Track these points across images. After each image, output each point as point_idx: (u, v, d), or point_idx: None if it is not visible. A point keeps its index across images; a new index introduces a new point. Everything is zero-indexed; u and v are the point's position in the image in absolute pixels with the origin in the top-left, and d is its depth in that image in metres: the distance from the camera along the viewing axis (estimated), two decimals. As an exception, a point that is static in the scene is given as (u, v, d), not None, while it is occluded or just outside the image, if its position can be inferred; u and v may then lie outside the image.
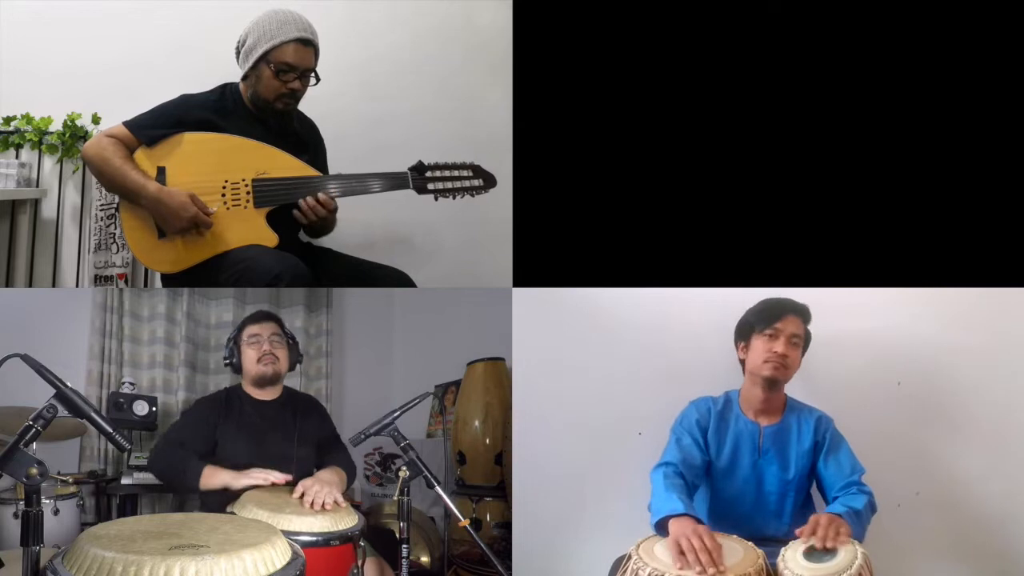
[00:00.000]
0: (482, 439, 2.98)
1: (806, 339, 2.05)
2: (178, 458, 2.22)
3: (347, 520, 2.03)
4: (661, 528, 1.76)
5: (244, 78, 2.38)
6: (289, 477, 2.18)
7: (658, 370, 2.30)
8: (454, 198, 2.44)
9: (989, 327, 2.29)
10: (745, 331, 2.07)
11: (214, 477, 2.14)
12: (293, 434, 2.34)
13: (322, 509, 2.02)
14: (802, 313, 2.04)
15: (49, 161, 2.83)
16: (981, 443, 2.27)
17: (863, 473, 1.99)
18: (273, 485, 2.16)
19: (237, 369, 2.40)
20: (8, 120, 2.79)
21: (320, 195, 2.32)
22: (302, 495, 2.07)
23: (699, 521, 1.73)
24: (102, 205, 2.80)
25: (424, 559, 2.88)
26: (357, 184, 2.36)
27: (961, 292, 2.30)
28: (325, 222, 2.41)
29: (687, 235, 2.50)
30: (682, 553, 1.64)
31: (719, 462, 2.05)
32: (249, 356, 2.36)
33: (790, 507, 2.04)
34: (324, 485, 2.10)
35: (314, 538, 1.91)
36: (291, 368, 2.45)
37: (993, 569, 2.28)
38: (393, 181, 2.40)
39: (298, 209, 2.32)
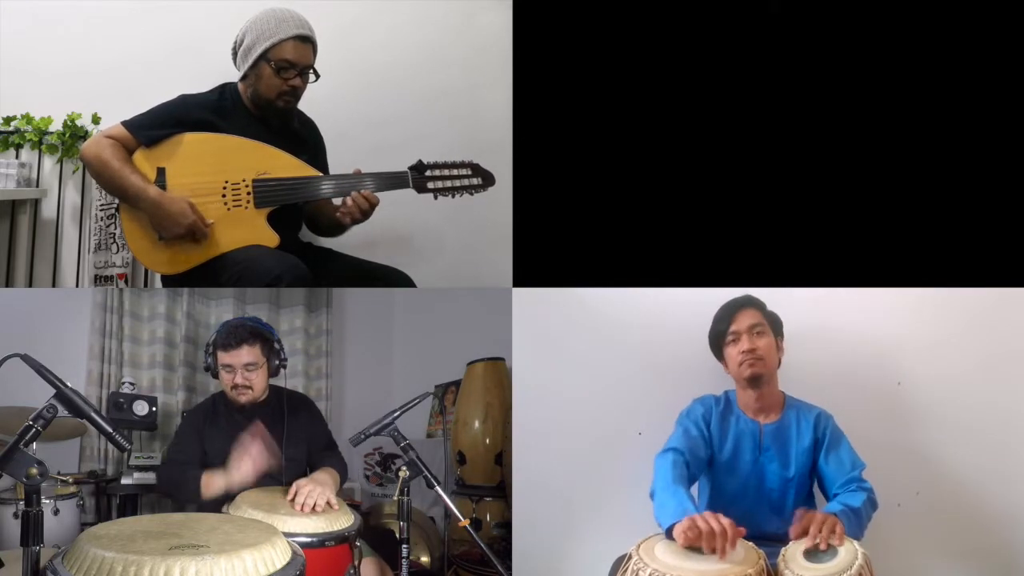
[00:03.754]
0: (482, 439, 2.98)
1: (772, 324, 2.06)
2: (178, 474, 2.24)
3: (342, 520, 2.02)
4: (671, 533, 1.74)
5: (243, 78, 2.38)
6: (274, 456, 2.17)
7: (658, 370, 2.31)
8: (453, 197, 2.43)
9: (988, 327, 2.29)
10: (716, 347, 2.10)
11: (212, 483, 2.15)
12: (281, 434, 2.33)
13: (313, 511, 2.02)
14: (750, 303, 2.06)
15: (49, 161, 2.83)
16: (981, 443, 2.27)
17: (863, 468, 2.00)
18: (268, 489, 2.16)
19: (215, 376, 2.39)
20: (8, 120, 2.79)
21: (364, 191, 2.32)
22: (294, 497, 2.07)
23: None
24: (102, 205, 2.80)
25: (424, 559, 2.88)
26: (357, 183, 2.36)
27: (961, 292, 2.30)
28: (366, 216, 2.37)
29: (687, 235, 2.50)
30: (688, 536, 1.63)
31: (720, 458, 2.05)
32: (224, 379, 2.33)
33: (791, 505, 2.03)
34: (317, 486, 2.09)
35: (309, 539, 1.90)
36: (273, 375, 2.38)
37: (993, 569, 2.28)
38: (393, 180, 2.40)
39: (342, 207, 2.32)
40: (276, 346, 2.37)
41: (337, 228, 2.51)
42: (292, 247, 2.38)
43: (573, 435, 2.32)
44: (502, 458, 2.91)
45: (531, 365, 2.34)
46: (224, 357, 2.30)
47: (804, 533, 1.74)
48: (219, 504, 2.10)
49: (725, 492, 2.06)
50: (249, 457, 2.16)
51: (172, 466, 2.34)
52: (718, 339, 2.08)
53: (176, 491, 2.31)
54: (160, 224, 2.24)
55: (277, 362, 2.37)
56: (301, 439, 2.37)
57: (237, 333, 2.31)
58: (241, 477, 2.15)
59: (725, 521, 1.64)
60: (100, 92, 2.78)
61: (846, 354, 2.28)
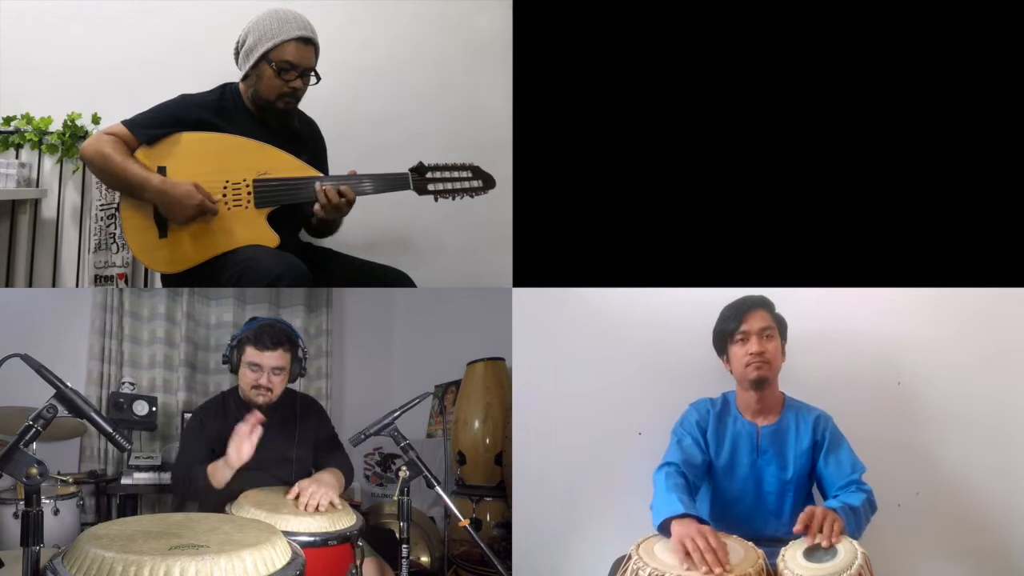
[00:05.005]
0: (482, 439, 2.98)
1: (780, 327, 2.06)
2: (188, 474, 2.24)
3: (345, 520, 2.03)
4: (664, 529, 1.76)
5: (244, 78, 2.38)
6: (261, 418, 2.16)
7: (657, 370, 2.31)
8: (454, 199, 2.44)
9: (988, 327, 2.29)
10: (720, 343, 2.09)
11: (217, 473, 2.14)
12: (292, 436, 2.33)
13: (316, 511, 2.02)
14: (762, 304, 2.05)
15: (49, 161, 2.83)
16: (981, 443, 2.27)
17: (864, 471, 1.99)
18: (271, 488, 2.16)
19: (234, 370, 2.39)
20: (8, 120, 2.79)
21: (342, 187, 2.30)
22: (297, 496, 2.06)
23: (702, 521, 1.72)
24: (102, 205, 2.80)
25: (424, 559, 2.88)
26: (357, 185, 2.36)
27: (961, 292, 2.30)
28: (339, 212, 2.36)
29: (686, 235, 2.50)
30: (688, 555, 1.65)
31: (718, 462, 2.05)
32: (245, 377, 2.30)
33: (789, 507, 2.03)
34: (320, 486, 2.09)
35: (312, 538, 1.91)
36: (291, 381, 2.37)
37: (992, 569, 2.28)
38: (393, 182, 2.40)
39: (316, 201, 2.30)
40: (301, 353, 2.36)
41: (330, 227, 2.51)
42: (292, 247, 2.38)
43: (573, 435, 2.33)
44: (502, 458, 2.91)
45: (531, 365, 2.34)
46: (254, 355, 2.27)
47: (805, 528, 1.73)
48: (222, 503, 2.10)
49: (724, 495, 2.06)
50: (248, 443, 2.13)
51: (181, 468, 2.35)
52: (724, 337, 2.07)
53: (187, 491, 2.30)
54: (169, 209, 2.24)
55: (299, 369, 2.36)
56: (309, 441, 2.38)
57: (274, 335, 2.29)
58: (239, 460, 2.12)
59: (714, 542, 1.65)
60: (100, 92, 2.78)
61: (846, 354, 2.28)
